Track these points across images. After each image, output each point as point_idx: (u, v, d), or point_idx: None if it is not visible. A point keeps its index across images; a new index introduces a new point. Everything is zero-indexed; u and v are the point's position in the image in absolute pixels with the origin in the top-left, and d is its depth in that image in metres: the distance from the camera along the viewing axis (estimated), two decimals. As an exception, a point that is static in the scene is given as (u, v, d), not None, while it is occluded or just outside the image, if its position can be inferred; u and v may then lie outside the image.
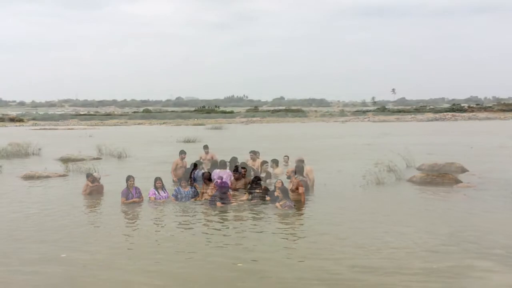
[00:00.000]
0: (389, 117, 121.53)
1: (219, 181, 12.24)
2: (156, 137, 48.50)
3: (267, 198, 11.51)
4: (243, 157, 14.92)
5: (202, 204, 11.08)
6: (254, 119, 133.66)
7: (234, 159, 14.37)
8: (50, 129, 74.75)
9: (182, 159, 15.39)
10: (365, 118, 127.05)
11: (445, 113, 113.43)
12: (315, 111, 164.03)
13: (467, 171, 14.95)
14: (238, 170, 13.02)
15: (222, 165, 13.05)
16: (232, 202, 11.20)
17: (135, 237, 8.25)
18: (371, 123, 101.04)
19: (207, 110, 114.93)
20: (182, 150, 15.82)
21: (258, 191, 11.78)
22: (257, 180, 12.16)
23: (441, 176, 13.70)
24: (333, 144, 28.87)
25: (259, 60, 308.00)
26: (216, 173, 12.56)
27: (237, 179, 12.57)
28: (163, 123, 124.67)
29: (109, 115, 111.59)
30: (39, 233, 8.76)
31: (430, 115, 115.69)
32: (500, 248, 7.55)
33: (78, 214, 10.34)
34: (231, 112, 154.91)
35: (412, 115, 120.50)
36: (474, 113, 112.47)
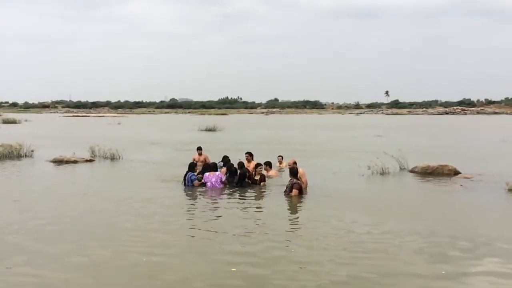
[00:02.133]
0: (401, 110, 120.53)
1: (208, 184, 11.63)
2: (179, 126, 48.35)
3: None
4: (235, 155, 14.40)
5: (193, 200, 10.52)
6: (274, 110, 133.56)
7: (225, 158, 13.81)
8: (82, 116, 75.89)
9: (200, 155, 15.07)
10: (379, 111, 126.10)
11: (455, 107, 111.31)
12: (332, 103, 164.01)
13: (460, 173, 14.09)
14: (232, 170, 12.41)
15: (212, 167, 12.34)
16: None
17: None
18: (384, 116, 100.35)
19: (229, 101, 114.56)
20: (199, 147, 15.53)
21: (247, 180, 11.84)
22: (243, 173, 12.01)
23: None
24: (331, 143, 27.88)
25: (253, 62, 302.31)
26: (205, 177, 11.90)
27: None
28: (188, 112, 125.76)
29: (138, 103, 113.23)
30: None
31: (441, 109, 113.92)
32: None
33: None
34: (253, 102, 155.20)
35: (424, 109, 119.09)
36: (482, 108, 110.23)
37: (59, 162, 16.26)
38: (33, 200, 10.41)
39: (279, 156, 15.15)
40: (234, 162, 13.18)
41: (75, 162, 16.32)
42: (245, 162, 13.48)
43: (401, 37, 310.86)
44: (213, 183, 11.55)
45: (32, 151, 18.18)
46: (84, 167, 15.80)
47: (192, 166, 12.21)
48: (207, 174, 11.77)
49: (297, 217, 9.16)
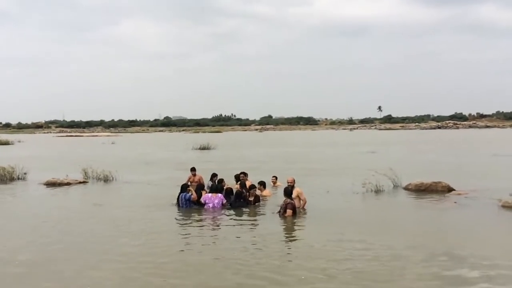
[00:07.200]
0: (394, 125, 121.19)
1: (210, 205, 11.51)
2: (173, 144, 48.16)
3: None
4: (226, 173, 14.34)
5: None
6: (268, 126, 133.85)
7: (215, 176, 13.76)
8: (76, 136, 75.26)
9: (194, 175, 14.93)
10: (372, 126, 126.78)
11: (447, 122, 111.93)
12: (326, 119, 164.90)
13: (454, 189, 14.10)
14: (227, 191, 12.37)
15: (213, 189, 12.25)
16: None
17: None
18: (377, 131, 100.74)
19: (223, 118, 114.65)
20: (193, 167, 15.39)
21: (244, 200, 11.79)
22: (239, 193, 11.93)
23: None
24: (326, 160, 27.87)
25: (245, 79, 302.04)
26: (207, 197, 11.79)
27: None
28: (182, 130, 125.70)
29: (132, 122, 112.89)
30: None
31: (433, 123, 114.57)
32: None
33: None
34: (247, 119, 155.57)
35: (416, 123, 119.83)
36: (474, 121, 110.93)
37: (52, 184, 16.10)
38: (27, 224, 10.30)
39: (273, 176, 15.09)
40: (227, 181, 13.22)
41: (68, 184, 16.18)
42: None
43: (393, 53, 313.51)
44: (215, 205, 11.42)
45: (25, 173, 17.93)
46: (77, 189, 15.68)
47: (184, 188, 12.07)
48: (209, 195, 11.64)
49: (292, 239, 9.10)
